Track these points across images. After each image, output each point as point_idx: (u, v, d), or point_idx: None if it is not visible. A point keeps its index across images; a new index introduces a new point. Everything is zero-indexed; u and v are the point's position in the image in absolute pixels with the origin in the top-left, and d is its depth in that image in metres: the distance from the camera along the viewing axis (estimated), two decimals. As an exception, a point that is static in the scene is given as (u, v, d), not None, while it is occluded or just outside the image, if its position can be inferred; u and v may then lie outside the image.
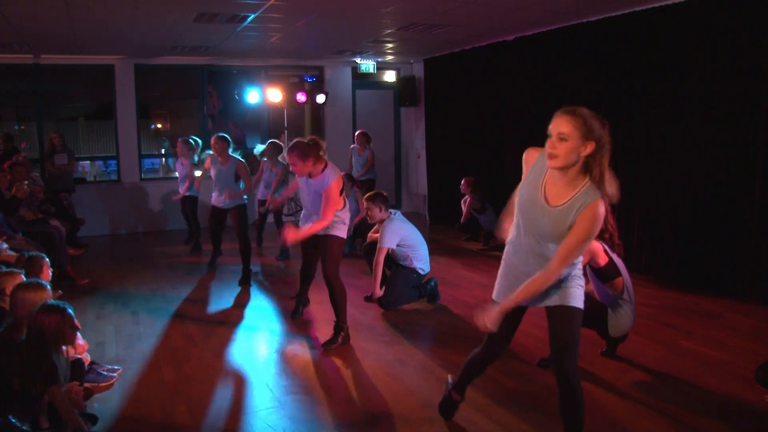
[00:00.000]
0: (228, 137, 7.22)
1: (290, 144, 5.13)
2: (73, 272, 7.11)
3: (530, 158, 3.10)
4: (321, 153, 5.10)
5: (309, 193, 5.20)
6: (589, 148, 2.75)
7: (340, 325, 5.12)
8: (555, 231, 2.85)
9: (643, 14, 6.91)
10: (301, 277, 5.82)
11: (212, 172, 7.29)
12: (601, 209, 2.78)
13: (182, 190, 9.30)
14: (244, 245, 7.07)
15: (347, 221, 5.27)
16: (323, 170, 5.09)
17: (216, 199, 7.29)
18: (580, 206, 2.79)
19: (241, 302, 6.42)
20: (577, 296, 3.01)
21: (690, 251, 6.59)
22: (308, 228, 5.04)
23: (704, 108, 6.34)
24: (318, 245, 5.22)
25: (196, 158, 9.29)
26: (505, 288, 3.15)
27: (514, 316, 3.21)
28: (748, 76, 5.93)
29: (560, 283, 2.99)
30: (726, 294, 6.20)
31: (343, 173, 5.41)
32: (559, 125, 2.77)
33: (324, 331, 5.36)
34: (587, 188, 2.82)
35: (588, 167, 2.81)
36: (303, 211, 5.45)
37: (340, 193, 5.16)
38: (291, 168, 5.14)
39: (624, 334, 4.60)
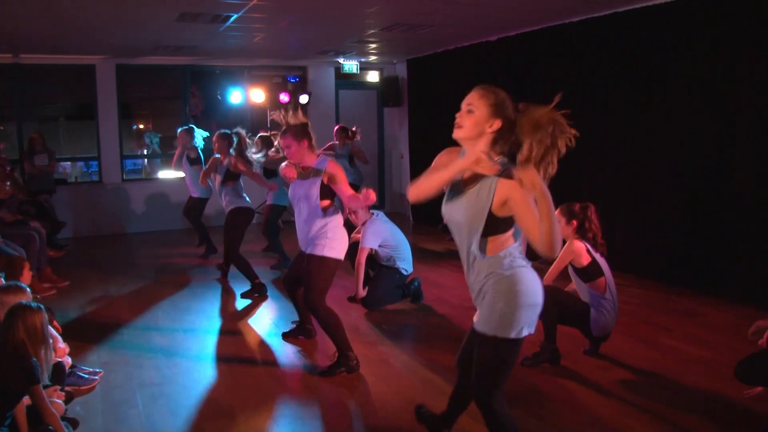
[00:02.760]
0: (230, 134, 6.79)
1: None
2: (53, 274, 7.03)
3: (448, 159, 2.91)
4: (313, 142, 4.60)
5: (301, 188, 4.56)
6: (496, 125, 2.70)
7: (345, 354, 4.49)
8: (473, 213, 2.70)
9: (625, 15, 6.96)
10: (291, 300, 5.21)
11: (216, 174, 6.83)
12: (530, 173, 2.54)
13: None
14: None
15: (345, 240, 4.62)
16: (317, 158, 4.57)
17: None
18: (492, 187, 2.65)
19: (226, 305, 6.38)
20: (502, 325, 2.72)
21: (672, 250, 6.65)
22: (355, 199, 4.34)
23: (686, 108, 6.40)
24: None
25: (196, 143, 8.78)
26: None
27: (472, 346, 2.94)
28: (728, 75, 5.99)
29: (489, 306, 2.75)
30: (707, 292, 6.25)
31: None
32: (470, 98, 2.78)
33: (318, 338, 5.33)
34: (502, 164, 2.66)
35: (500, 147, 2.72)
36: (296, 219, 4.68)
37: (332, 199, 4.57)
38: (285, 152, 4.58)
39: (607, 333, 4.63)
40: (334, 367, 4.48)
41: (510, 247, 2.77)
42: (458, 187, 2.80)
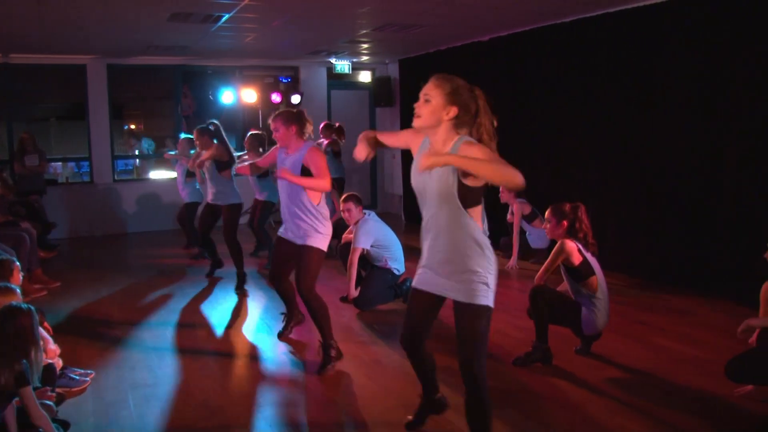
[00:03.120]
0: (208, 128, 6.92)
1: None
2: (44, 276, 7.00)
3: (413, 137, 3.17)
4: (305, 130, 4.65)
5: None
6: (452, 112, 2.85)
7: (328, 343, 4.63)
8: (442, 186, 2.86)
9: (618, 15, 6.98)
10: (278, 293, 5.23)
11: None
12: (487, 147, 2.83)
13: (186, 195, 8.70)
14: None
15: (329, 232, 4.68)
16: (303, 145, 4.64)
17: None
18: (456, 148, 2.84)
19: (218, 305, 6.37)
20: (481, 293, 2.92)
21: (663, 249, 6.68)
22: (298, 179, 4.41)
23: (679, 108, 6.42)
24: (293, 254, 4.68)
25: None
26: (423, 264, 3.20)
27: (429, 308, 3.21)
28: (718, 75, 6.01)
29: (465, 278, 2.93)
30: (699, 291, 6.28)
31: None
32: (426, 87, 2.91)
33: (308, 336, 5.33)
34: (460, 137, 2.89)
35: (462, 132, 2.91)
36: (281, 206, 4.81)
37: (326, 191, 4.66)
38: (273, 135, 4.67)
39: (598, 332, 4.64)
40: (326, 363, 4.56)
41: (481, 226, 2.97)
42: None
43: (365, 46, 9.96)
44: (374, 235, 6.10)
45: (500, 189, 7.75)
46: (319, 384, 4.36)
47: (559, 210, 4.68)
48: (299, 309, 5.30)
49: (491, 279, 2.95)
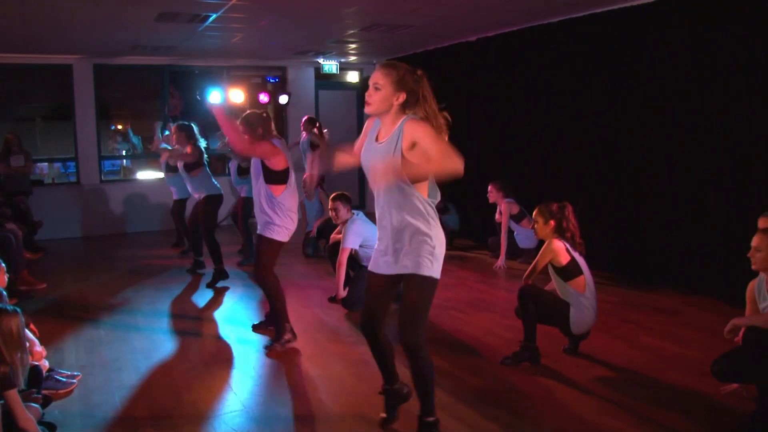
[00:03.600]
0: (187, 124, 7.36)
1: None
2: (30, 277, 6.95)
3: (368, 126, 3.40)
4: (269, 130, 5.00)
5: (252, 168, 5.01)
6: (401, 98, 3.08)
7: (282, 326, 4.96)
8: (387, 162, 3.06)
9: (604, 15, 7.02)
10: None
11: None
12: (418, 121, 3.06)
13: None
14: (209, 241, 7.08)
15: (291, 226, 4.90)
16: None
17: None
18: (400, 130, 3.08)
19: (205, 305, 6.34)
20: (426, 265, 3.12)
21: (649, 248, 6.72)
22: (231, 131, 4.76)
23: (663, 108, 6.46)
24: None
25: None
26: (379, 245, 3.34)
27: (384, 290, 3.34)
28: (704, 75, 6.05)
29: (413, 248, 3.13)
30: (686, 290, 6.33)
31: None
32: (375, 77, 3.11)
33: (301, 337, 5.32)
34: (405, 117, 3.12)
35: (408, 111, 3.13)
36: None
37: (284, 176, 4.85)
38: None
39: (586, 331, 4.66)
40: (275, 342, 4.96)
41: (429, 199, 3.15)
42: (375, 141, 3.24)
43: (353, 46, 9.95)
44: (363, 234, 6.09)
45: (488, 189, 7.78)
46: (307, 384, 4.35)
47: (546, 210, 4.69)
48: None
49: (438, 250, 3.15)
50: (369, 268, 3.39)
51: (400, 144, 3.05)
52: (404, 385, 3.66)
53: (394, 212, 3.16)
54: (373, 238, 6.16)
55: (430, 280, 3.14)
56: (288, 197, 4.85)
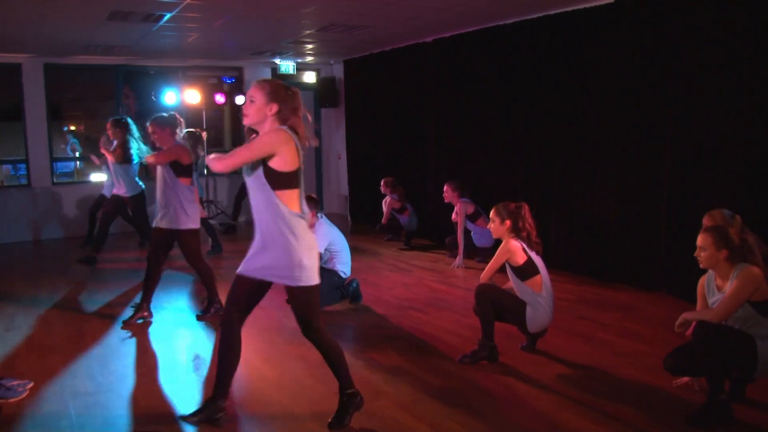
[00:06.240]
0: (123, 120, 7.73)
1: None
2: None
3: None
4: (177, 131, 5.58)
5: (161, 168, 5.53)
6: (274, 108, 3.35)
7: (212, 299, 5.77)
8: (253, 170, 3.35)
9: (557, 17, 7.13)
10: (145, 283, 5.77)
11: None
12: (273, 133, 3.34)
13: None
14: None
15: (195, 214, 5.59)
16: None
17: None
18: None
19: (161, 307, 6.24)
20: (297, 276, 3.37)
21: (605, 247, 6.84)
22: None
23: (616, 109, 6.59)
24: (166, 241, 5.59)
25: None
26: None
27: (252, 293, 3.56)
28: (656, 76, 6.19)
29: (282, 263, 3.36)
30: (639, 286, 6.47)
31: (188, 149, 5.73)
32: (250, 91, 3.40)
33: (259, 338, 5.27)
34: (277, 128, 3.37)
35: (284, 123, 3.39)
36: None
37: (180, 169, 5.46)
38: (152, 137, 5.56)
39: (543, 329, 4.72)
40: (205, 313, 5.79)
41: (298, 209, 3.37)
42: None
43: (310, 46, 9.92)
44: (328, 238, 6.08)
45: (444, 189, 7.84)
46: (265, 386, 4.32)
47: (502, 209, 4.73)
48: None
49: (306, 259, 3.36)
50: (238, 270, 3.53)
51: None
52: (356, 392, 3.71)
53: (261, 219, 3.42)
54: (336, 242, 6.18)
55: (306, 289, 3.43)
56: (186, 187, 5.56)
